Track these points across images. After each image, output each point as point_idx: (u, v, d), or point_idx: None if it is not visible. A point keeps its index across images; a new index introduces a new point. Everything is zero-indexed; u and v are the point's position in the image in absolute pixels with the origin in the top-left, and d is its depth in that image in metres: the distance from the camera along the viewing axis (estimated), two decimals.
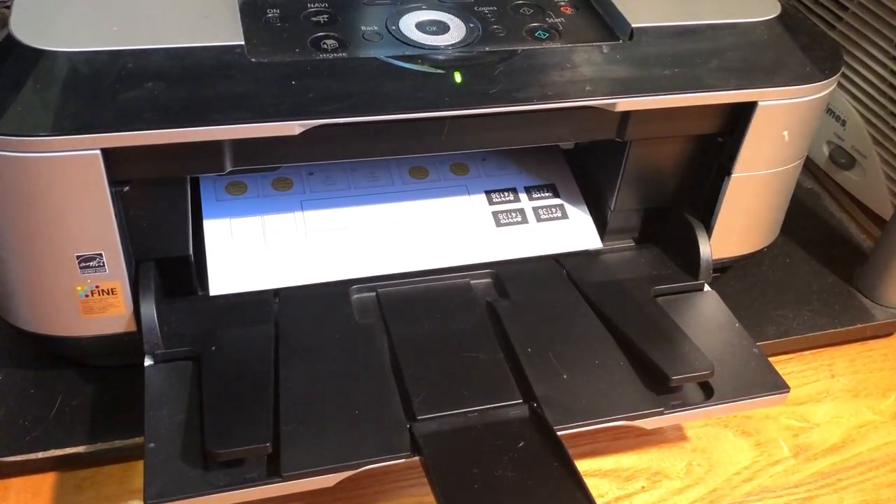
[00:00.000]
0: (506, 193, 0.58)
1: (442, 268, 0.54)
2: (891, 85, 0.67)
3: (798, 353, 0.63)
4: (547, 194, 0.59)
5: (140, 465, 0.44)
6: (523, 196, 0.59)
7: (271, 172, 0.57)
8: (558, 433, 0.45)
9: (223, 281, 0.51)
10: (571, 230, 0.58)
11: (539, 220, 0.57)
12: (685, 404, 0.49)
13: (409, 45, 0.49)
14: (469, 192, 0.58)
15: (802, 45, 0.53)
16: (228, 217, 0.54)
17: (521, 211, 0.58)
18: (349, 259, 0.53)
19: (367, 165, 0.58)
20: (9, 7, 0.46)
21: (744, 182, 0.55)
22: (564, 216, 0.58)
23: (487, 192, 0.58)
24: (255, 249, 0.53)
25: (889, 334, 0.65)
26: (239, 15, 0.47)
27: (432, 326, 0.51)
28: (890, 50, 0.66)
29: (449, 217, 0.57)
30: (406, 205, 0.57)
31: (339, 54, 0.47)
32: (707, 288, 0.57)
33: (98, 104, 0.42)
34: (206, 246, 0.52)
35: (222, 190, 0.55)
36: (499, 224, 0.57)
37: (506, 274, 0.55)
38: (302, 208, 0.55)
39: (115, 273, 0.47)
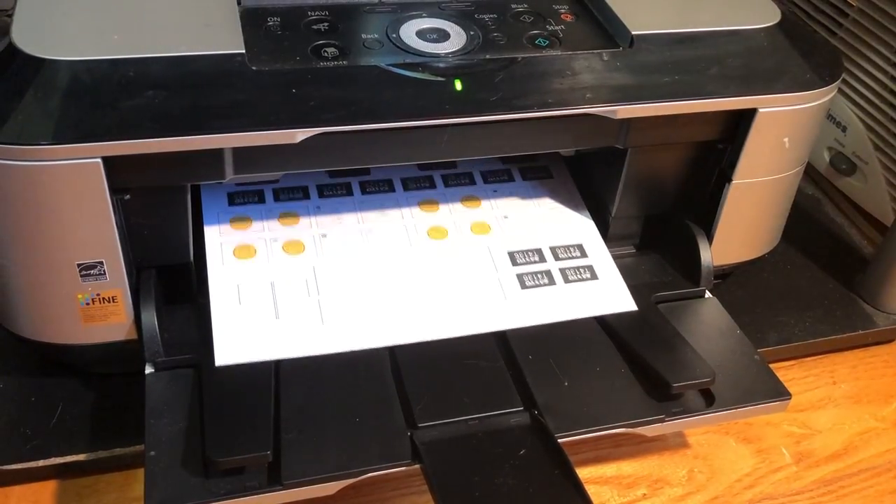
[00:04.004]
0: (530, 254, 0.55)
1: (463, 336, 0.51)
2: (891, 91, 0.67)
3: (799, 360, 0.62)
4: (575, 254, 0.56)
5: (141, 472, 0.44)
6: (549, 257, 0.55)
7: (281, 234, 0.54)
8: (559, 440, 0.45)
9: (229, 353, 0.48)
10: (603, 292, 0.54)
11: (567, 281, 0.54)
12: (686, 411, 0.49)
13: (409, 52, 0.49)
14: (491, 254, 0.55)
15: (803, 52, 0.53)
16: (237, 283, 0.51)
17: (548, 273, 0.54)
18: (364, 327, 0.50)
19: (383, 228, 0.55)
20: (10, 16, 0.46)
21: (744, 189, 0.55)
22: (594, 277, 0.55)
23: (511, 253, 0.55)
24: (264, 321, 0.49)
25: (891, 340, 0.65)
26: (239, 23, 0.47)
27: None
28: (890, 56, 0.66)
29: (470, 281, 0.53)
30: (425, 268, 0.53)
31: (340, 62, 0.47)
32: (708, 294, 0.57)
33: (99, 113, 0.42)
34: (211, 315, 0.49)
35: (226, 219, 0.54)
36: (524, 286, 0.53)
37: None
38: (315, 274, 0.52)
39: (116, 281, 0.47)
